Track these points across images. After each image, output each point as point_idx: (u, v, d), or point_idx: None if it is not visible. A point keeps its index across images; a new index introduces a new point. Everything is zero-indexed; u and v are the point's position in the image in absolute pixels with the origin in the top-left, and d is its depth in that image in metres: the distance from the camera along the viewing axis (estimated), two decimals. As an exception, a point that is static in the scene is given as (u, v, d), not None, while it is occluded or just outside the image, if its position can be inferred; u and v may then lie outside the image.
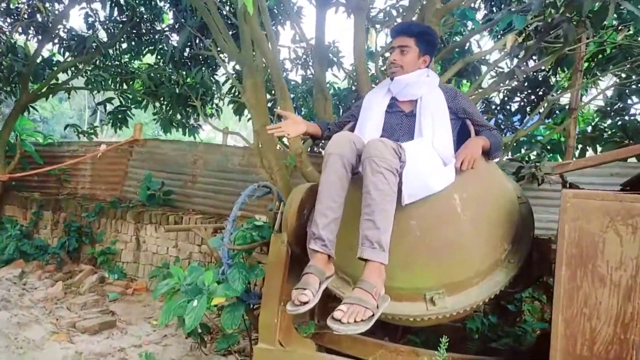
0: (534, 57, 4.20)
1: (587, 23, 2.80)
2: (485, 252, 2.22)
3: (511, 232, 2.33)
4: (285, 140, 4.91)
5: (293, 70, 6.49)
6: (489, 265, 2.24)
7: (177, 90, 6.32)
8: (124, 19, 6.49)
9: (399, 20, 6.00)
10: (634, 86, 4.69)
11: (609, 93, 5.43)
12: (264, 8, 3.96)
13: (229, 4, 5.69)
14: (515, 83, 4.75)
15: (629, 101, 5.30)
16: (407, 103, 2.34)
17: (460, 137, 2.34)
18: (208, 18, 3.63)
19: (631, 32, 3.76)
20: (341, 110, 5.78)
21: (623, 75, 4.82)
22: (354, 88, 6.01)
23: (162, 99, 6.63)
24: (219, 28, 4.05)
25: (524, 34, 3.89)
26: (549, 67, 4.49)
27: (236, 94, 6.34)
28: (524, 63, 3.04)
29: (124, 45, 6.89)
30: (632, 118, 5.49)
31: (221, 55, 5.59)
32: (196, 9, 5.37)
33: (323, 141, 2.73)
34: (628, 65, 3.88)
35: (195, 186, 5.88)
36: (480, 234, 2.18)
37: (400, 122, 2.30)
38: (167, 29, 6.64)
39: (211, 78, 6.23)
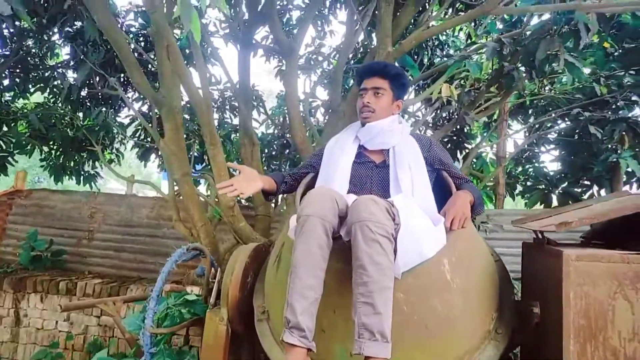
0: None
1: (533, 73, 2.77)
2: (476, 325, 1.91)
3: (495, 297, 2.06)
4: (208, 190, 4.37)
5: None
6: (479, 339, 1.93)
7: (71, 133, 5.50)
8: (7, 52, 5.59)
9: (326, 65, 5.88)
10: (549, 135, 4.92)
11: (520, 142, 5.69)
12: (197, 48, 3.51)
13: (143, 38, 5.13)
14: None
15: (542, 148, 5.59)
16: (377, 153, 2.04)
17: (434, 191, 2.07)
18: (122, 53, 3.08)
19: (563, 82, 3.91)
20: (264, 158, 5.39)
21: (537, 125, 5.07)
22: (276, 132, 5.67)
23: (52, 142, 5.73)
24: (132, 64, 3.50)
25: (455, 83, 3.86)
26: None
27: (142, 137, 5.68)
28: (471, 111, 2.95)
29: (6, 82, 5.92)
30: (541, 165, 5.80)
31: (128, 94, 4.97)
32: (99, 43, 4.75)
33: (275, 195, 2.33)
34: (549, 116, 3.99)
35: (92, 244, 5.04)
36: (470, 303, 1.87)
37: (370, 174, 1.98)
38: (61, 64, 5.83)
39: (114, 119, 5.52)
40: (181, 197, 3.66)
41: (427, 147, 2.05)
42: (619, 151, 3.80)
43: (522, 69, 2.76)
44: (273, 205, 4.82)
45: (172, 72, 3.24)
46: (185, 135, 5.56)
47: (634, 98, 3.67)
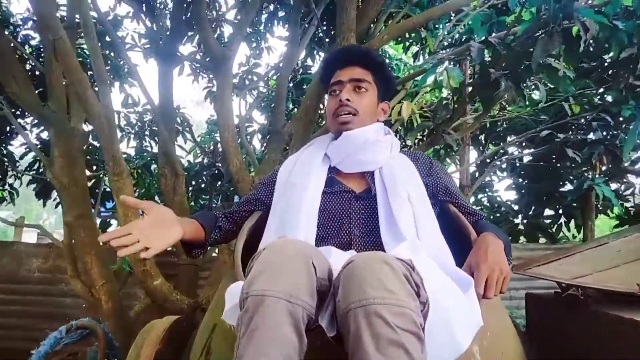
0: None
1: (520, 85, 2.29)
2: None
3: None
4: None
5: (123, 141, 5.12)
6: None
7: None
8: None
9: (262, 86, 5.22)
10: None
11: (472, 169, 5.32)
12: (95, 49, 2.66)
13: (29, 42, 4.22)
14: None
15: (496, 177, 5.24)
16: (357, 178, 1.38)
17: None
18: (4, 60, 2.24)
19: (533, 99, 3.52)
20: (189, 196, 4.57)
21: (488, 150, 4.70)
22: (206, 162, 4.89)
23: None
24: (12, 70, 2.64)
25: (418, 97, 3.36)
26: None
27: (40, 170, 4.68)
28: (448, 128, 2.42)
29: None
30: (495, 194, 5.45)
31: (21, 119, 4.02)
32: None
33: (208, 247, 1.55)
34: (514, 139, 3.58)
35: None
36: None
37: (349, 209, 1.30)
38: None
39: (2, 149, 4.51)
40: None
41: (426, 168, 1.43)
42: (590, 177, 3.43)
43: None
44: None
45: (65, 79, 2.43)
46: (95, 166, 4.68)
47: (606, 118, 3.33)
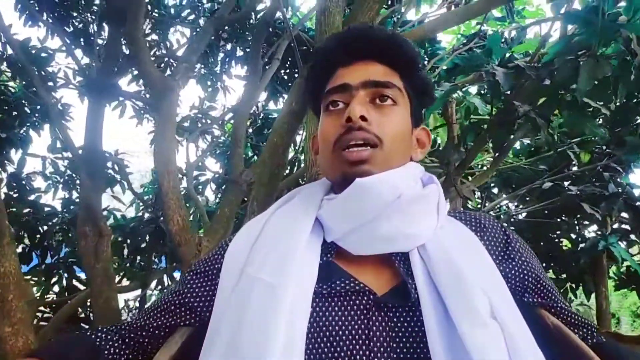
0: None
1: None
2: None
3: None
4: None
5: (49, 192, 4.30)
6: None
7: None
8: None
9: (216, 129, 4.59)
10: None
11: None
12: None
13: None
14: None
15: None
16: (376, 265, 0.73)
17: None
18: None
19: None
20: (126, 257, 3.78)
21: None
22: (147, 216, 4.12)
23: None
24: None
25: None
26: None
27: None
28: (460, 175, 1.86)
29: None
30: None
31: None
32: None
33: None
34: (515, 192, 3.09)
35: None
36: None
37: (366, 329, 0.66)
38: None
39: None
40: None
41: (500, 245, 0.79)
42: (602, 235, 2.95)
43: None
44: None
45: None
46: None
47: (616, 168, 2.89)
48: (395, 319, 0.67)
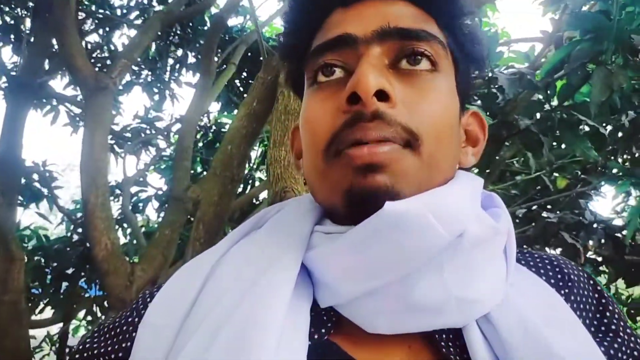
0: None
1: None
2: None
3: None
4: None
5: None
6: None
7: None
8: None
9: (161, 141, 4.17)
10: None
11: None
12: None
13: None
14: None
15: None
16: (403, 348, 0.41)
17: None
18: None
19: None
20: (49, 283, 3.25)
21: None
22: (75, 238, 3.61)
23: None
24: None
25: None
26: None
27: None
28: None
29: None
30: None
31: None
32: None
33: None
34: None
35: None
36: None
37: None
38: None
39: None
40: None
41: (592, 310, 0.47)
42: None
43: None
44: None
45: None
46: None
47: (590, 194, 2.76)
48: None
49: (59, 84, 4.56)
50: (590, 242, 2.54)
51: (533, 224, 2.73)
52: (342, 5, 0.47)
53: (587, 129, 1.89)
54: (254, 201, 3.18)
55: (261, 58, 3.30)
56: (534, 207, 2.84)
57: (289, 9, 0.51)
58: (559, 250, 2.99)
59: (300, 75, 0.51)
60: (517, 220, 2.80)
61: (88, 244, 3.10)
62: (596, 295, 0.50)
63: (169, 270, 2.06)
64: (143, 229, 4.07)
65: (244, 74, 4.26)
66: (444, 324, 0.41)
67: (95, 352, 0.46)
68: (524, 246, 2.95)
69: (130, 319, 0.47)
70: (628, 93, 1.66)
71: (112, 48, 4.31)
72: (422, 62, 0.44)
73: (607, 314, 0.49)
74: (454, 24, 0.48)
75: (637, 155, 2.45)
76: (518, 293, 0.44)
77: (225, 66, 3.48)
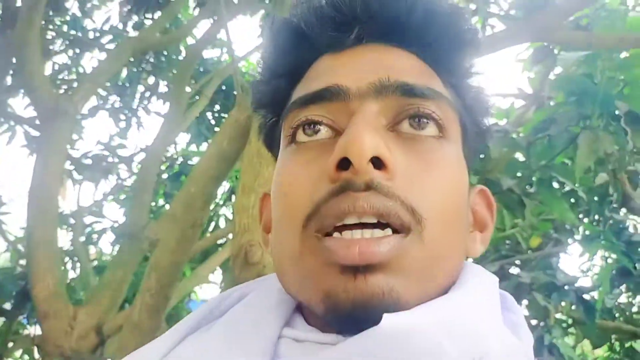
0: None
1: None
2: None
3: None
4: None
5: None
6: None
7: None
8: None
9: (123, 169, 3.97)
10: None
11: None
12: None
13: None
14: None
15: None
16: None
17: None
18: None
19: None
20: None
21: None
22: (18, 270, 3.34)
23: None
24: None
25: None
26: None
27: None
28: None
29: None
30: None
31: None
32: None
33: None
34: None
35: None
36: None
37: None
38: None
39: None
40: None
41: None
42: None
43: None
44: None
45: None
46: None
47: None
48: None
49: (21, 103, 4.36)
50: (563, 304, 2.51)
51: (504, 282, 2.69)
52: (332, 50, 0.39)
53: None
54: (217, 242, 3.01)
55: (235, 92, 3.24)
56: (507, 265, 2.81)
57: (268, 50, 0.42)
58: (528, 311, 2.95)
59: (276, 130, 0.42)
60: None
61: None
62: None
63: (116, 317, 1.86)
64: (95, 262, 3.82)
65: (217, 106, 4.19)
66: None
67: None
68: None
69: None
70: (602, 156, 1.65)
71: (81, 71, 4.18)
72: (429, 127, 0.36)
73: None
74: (462, 84, 0.40)
75: (609, 216, 2.47)
76: None
77: (197, 97, 3.40)
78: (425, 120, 0.36)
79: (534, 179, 1.63)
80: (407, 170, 0.34)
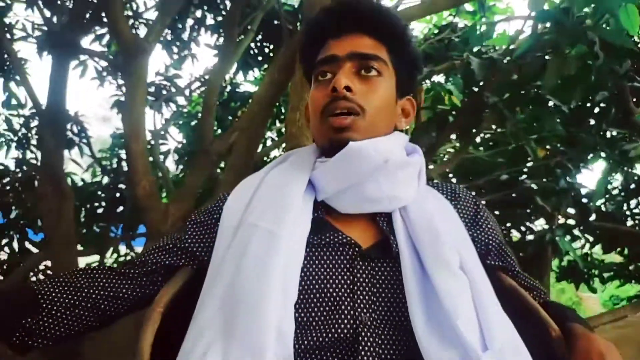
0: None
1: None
2: None
3: None
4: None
5: (1, 150, 4.09)
6: None
7: None
8: None
9: (180, 98, 4.50)
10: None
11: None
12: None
13: None
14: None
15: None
16: (360, 222, 0.81)
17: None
18: None
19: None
20: (85, 217, 3.67)
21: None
22: (106, 182, 4.02)
23: None
24: None
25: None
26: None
27: None
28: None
29: None
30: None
31: None
32: None
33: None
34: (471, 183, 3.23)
35: None
36: None
37: (351, 276, 0.73)
38: None
39: None
40: None
41: (470, 214, 0.88)
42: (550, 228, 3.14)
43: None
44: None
45: None
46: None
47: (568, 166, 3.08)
48: (377, 269, 0.75)
49: (86, 39, 4.81)
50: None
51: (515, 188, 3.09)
52: (333, 38, 0.85)
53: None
54: (265, 159, 3.53)
55: (276, 22, 3.58)
56: (518, 175, 3.18)
57: (306, 36, 0.92)
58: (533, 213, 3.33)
59: (308, 73, 0.91)
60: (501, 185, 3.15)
61: (120, 189, 3.51)
62: (475, 207, 0.88)
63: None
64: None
65: (259, 36, 4.50)
66: (381, 209, 0.81)
67: (200, 218, 0.86)
68: (506, 208, 3.31)
69: (218, 204, 0.86)
70: (605, 75, 1.97)
71: (134, 7, 4.54)
72: (372, 72, 0.82)
73: (478, 216, 0.87)
74: (397, 48, 0.86)
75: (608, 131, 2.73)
76: (423, 198, 0.83)
77: (244, 31, 3.75)
78: (370, 68, 0.82)
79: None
80: (361, 91, 0.80)
